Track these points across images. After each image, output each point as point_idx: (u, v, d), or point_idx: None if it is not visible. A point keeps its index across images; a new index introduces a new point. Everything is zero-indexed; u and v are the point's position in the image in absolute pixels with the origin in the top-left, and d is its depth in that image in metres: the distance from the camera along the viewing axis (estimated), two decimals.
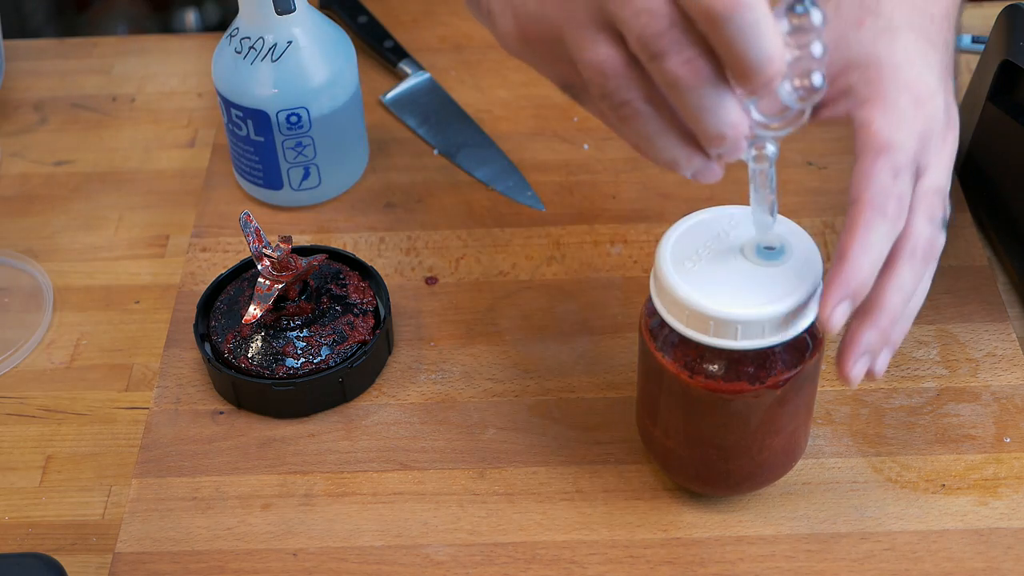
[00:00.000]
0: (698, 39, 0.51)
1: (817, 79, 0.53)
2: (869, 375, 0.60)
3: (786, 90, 0.53)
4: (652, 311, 0.61)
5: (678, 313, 0.59)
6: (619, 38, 0.53)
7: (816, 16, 0.51)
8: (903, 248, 0.59)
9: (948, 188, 0.61)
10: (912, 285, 0.59)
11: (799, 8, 0.51)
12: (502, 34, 0.57)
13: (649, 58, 0.51)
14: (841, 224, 0.81)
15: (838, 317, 0.56)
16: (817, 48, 0.52)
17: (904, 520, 0.66)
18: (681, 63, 0.51)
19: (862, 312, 0.58)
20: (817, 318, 0.57)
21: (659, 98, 0.54)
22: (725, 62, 0.51)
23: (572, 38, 0.53)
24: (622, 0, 0.51)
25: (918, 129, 0.59)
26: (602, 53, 0.53)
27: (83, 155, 0.92)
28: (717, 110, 0.52)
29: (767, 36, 0.50)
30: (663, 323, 0.60)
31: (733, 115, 0.53)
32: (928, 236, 0.59)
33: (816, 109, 0.62)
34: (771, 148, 0.56)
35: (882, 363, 0.60)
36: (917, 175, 0.60)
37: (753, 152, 0.56)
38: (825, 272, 0.60)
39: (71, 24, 1.64)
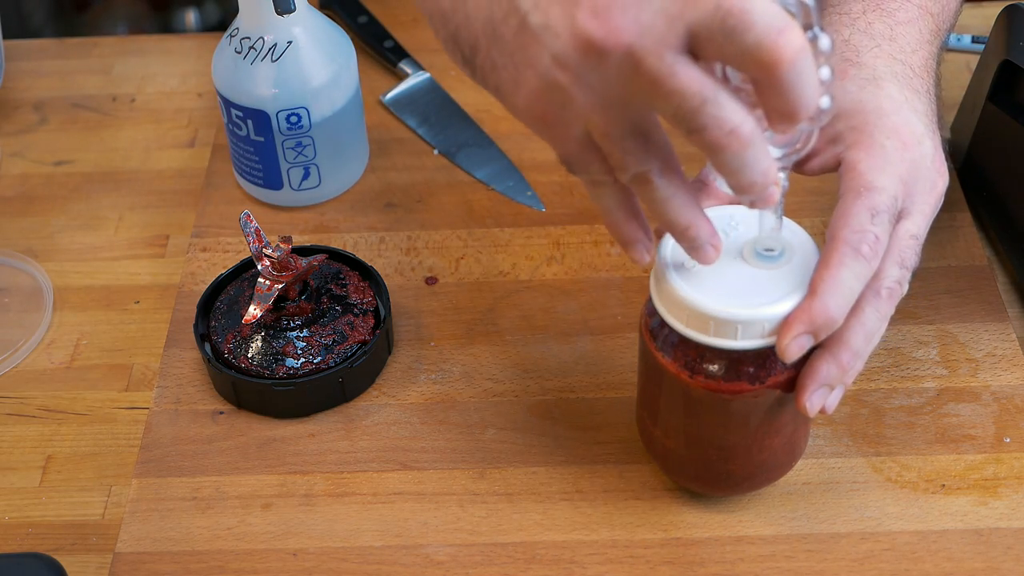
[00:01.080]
0: (735, 96, 0.51)
1: (825, 101, 0.53)
2: (821, 410, 0.61)
3: None
4: (652, 311, 0.61)
5: (678, 313, 0.59)
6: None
7: (825, 42, 0.52)
8: (870, 288, 0.60)
9: (924, 237, 0.62)
10: (876, 325, 0.60)
11: (809, 34, 0.52)
12: (509, 105, 0.57)
13: (688, 131, 0.52)
14: None
15: (795, 349, 0.57)
16: (825, 72, 0.53)
17: (904, 520, 0.66)
18: (725, 134, 0.51)
19: (824, 346, 0.59)
20: (775, 345, 0.58)
21: (674, 165, 0.55)
22: (772, 107, 0.51)
23: (606, 137, 0.54)
24: (651, 92, 0.51)
25: (902, 173, 0.60)
26: (630, 144, 0.54)
27: (83, 155, 0.92)
28: (755, 162, 0.53)
29: (815, 77, 0.51)
30: (663, 323, 0.60)
31: (767, 162, 0.53)
32: (897, 279, 0.60)
33: (805, 161, 0.63)
34: (782, 178, 0.57)
35: (834, 400, 0.61)
36: (898, 218, 0.61)
37: None
38: None
39: (71, 24, 1.64)
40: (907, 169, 0.60)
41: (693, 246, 0.57)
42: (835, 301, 0.57)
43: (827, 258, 0.58)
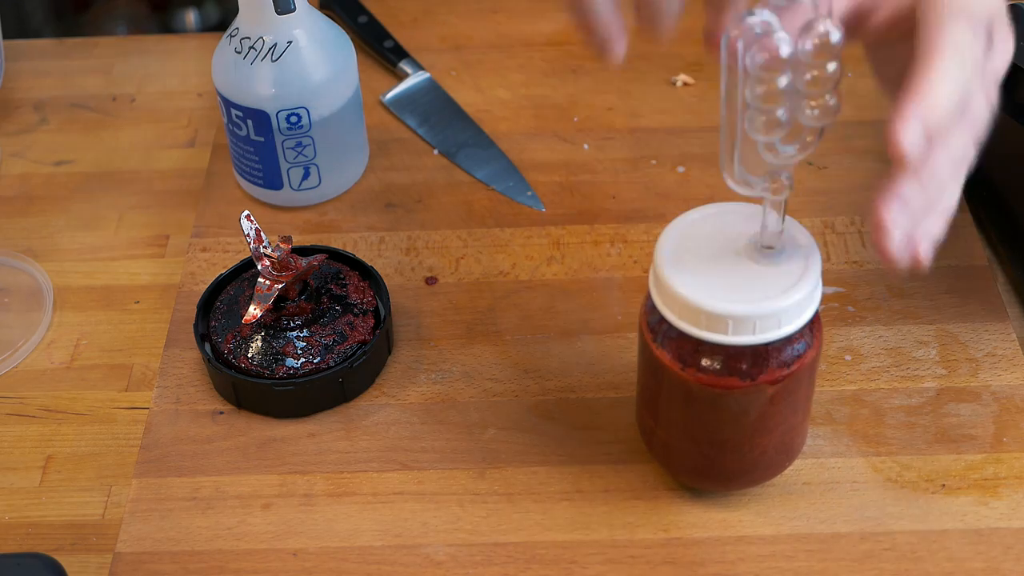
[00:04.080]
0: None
1: (832, 99, 0.53)
2: (915, 261, 0.56)
3: (807, 114, 0.54)
4: (652, 307, 0.62)
5: (672, 305, 0.59)
6: None
7: (835, 35, 0.52)
8: (958, 111, 0.55)
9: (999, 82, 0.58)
10: (960, 153, 0.56)
11: (822, 26, 0.52)
12: None
13: None
14: (841, 224, 0.82)
15: (911, 137, 0.52)
16: (832, 66, 0.52)
17: (904, 520, 0.66)
18: None
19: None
20: (886, 140, 0.53)
21: None
22: None
23: None
24: None
25: (993, 7, 0.57)
26: None
27: (83, 155, 0.92)
28: None
29: None
30: (662, 319, 0.60)
31: None
32: (982, 116, 0.56)
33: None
34: (788, 180, 0.57)
35: (925, 248, 0.56)
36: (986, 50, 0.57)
37: (770, 184, 0.57)
38: (824, 272, 0.60)
39: (71, 24, 1.64)
40: (992, 6, 0.57)
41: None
42: (946, 88, 0.53)
43: (930, 59, 0.54)
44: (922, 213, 0.56)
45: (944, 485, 0.68)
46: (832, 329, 0.75)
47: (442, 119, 0.92)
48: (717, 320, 0.58)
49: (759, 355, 0.59)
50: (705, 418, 0.62)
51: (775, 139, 0.55)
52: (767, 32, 0.53)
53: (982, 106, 0.57)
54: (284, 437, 0.72)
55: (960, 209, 0.82)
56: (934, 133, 0.53)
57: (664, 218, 0.83)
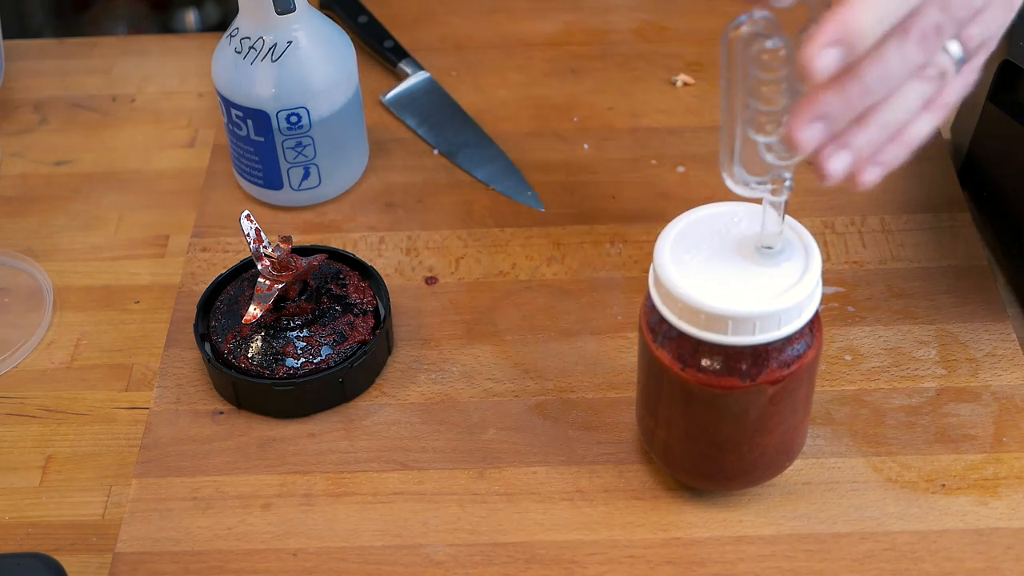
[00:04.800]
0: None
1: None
2: (850, 180, 0.54)
3: None
4: (652, 307, 0.62)
5: (672, 305, 0.59)
6: None
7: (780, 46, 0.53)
8: (899, 24, 0.52)
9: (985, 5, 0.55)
10: (896, 68, 0.52)
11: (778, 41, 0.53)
12: None
13: None
14: (841, 224, 0.82)
15: (827, 60, 0.50)
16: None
17: (904, 520, 0.66)
18: None
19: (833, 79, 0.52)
20: (799, 64, 0.51)
21: None
22: None
23: None
24: None
25: None
26: None
27: (83, 155, 0.92)
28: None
29: None
30: (662, 319, 0.60)
31: None
32: (935, 23, 0.52)
33: None
34: (788, 182, 0.57)
35: (839, 163, 0.54)
36: None
37: (771, 186, 0.57)
38: (824, 272, 0.60)
39: (71, 24, 1.64)
40: None
41: None
42: (870, 13, 0.50)
43: None
44: (837, 115, 0.53)
45: (944, 485, 0.68)
46: (832, 329, 0.75)
47: (442, 119, 0.92)
48: (717, 320, 0.58)
49: (759, 355, 0.59)
50: (705, 418, 0.62)
51: (775, 139, 0.55)
52: (767, 31, 0.53)
53: (932, 18, 0.52)
54: (284, 437, 0.72)
55: (960, 209, 0.82)
56: (856, 44, 0.50)
57: (664, 218, 0.83)
